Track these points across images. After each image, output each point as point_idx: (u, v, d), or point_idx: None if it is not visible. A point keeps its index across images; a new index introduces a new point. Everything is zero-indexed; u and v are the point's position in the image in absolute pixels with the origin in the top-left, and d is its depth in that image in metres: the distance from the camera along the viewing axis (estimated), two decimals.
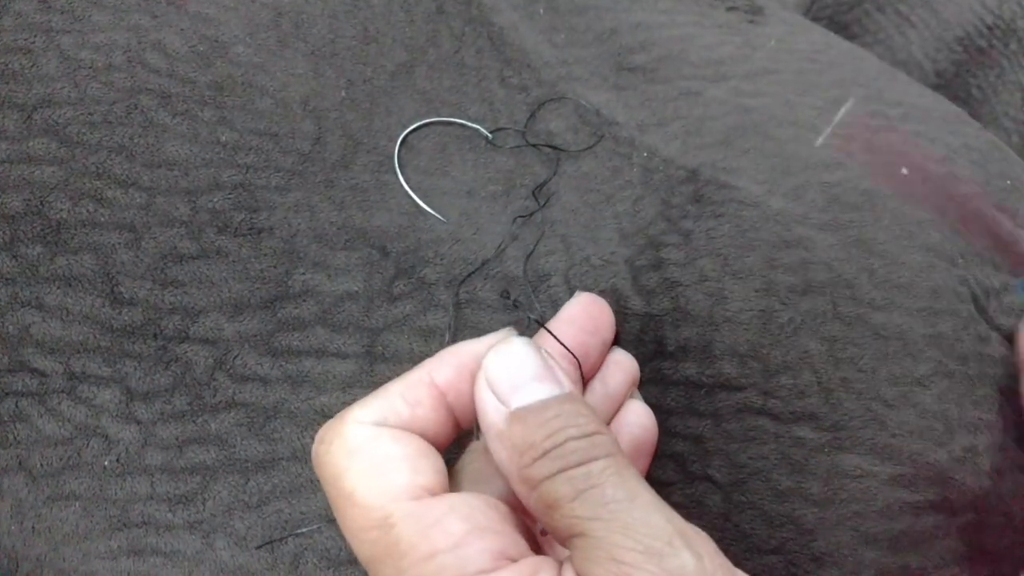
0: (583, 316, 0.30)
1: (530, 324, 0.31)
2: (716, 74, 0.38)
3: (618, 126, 0.36)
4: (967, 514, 0.32)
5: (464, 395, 0.26)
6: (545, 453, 0.23)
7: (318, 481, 0.30)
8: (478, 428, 0.25)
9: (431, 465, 0.24)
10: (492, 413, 0.24)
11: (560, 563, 0.24)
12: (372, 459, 0.24)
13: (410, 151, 0.35)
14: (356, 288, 0.32)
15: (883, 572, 0.31)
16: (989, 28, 0.57)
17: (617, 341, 0.32)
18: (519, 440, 0.24)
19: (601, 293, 0.33)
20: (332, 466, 0.24)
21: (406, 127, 0.35)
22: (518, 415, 0.24)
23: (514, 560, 0.23)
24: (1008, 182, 0.38)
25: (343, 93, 0.35)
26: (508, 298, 0.32)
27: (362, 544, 0.23)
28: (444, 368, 0.26)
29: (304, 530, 0.30)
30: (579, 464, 0.23)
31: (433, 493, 0.24)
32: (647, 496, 0.23)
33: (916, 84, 0.42)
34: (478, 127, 0.36)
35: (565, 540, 0.23)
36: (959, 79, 0.56)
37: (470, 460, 0.28)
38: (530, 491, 0.24)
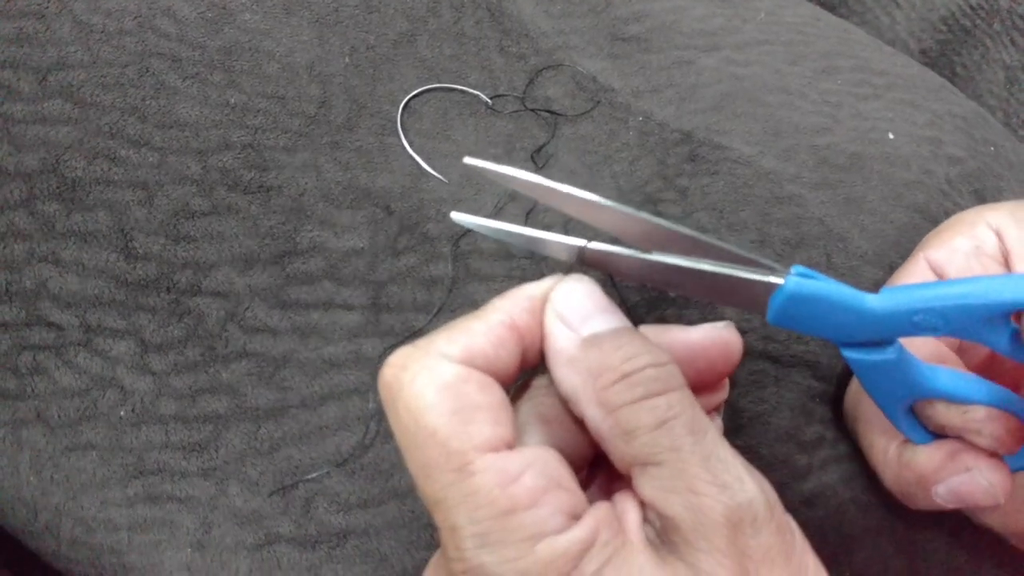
0: (715, 350, 0.29)
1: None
2: (708, 44, 0.39)
3: (614, 92, 0.38)
4: None
5: (532, 334, 0.26)
6: (624, 376, 0.24)
7: (327, 427, 0.31)
8: (543, 365, 0.26)
9: (509, 417, 0.24)
10: (563, 339, 0.25)
11: (610, 499, 0.24)
12: (460, 402, 0.23)
13: (412, 115, 0.36)
14: (362, 244, 0.33)
15: (863, 509, 0.33)
16: (973, 8, 0.58)
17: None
18: (595, 363, 0.24)
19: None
20: (416, 397, 0.23)
21: (408, 93, 0.36)
22: (592, 340, 0.24)
23: (578, 517, 0.23)
24: (992, 148, 0.39)
25: (347, 59, 0.36)
26: None
27: (432, 482, 0.23)
28: (519, 310, 0.25)
29: (313, 475, 0.31)
30: (660, 393, 0.24)
31: (510, 446, 0.24)
32: (714, 431, 0.24)
33: (902, 56, 0.43)
34: (478, 93, 0.37)
35: (632, 466, 0.24)
36: (944, 58, 0.58)
37: (529, 405, 0.27)
38: (606, 415, 0.24)
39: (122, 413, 0.31)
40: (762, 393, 0.33)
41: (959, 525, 0.34)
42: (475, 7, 0.39)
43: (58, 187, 0.32)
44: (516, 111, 0.37)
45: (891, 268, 0.35)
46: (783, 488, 0.32)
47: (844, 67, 0.40)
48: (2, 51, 0.33)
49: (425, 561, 0.31)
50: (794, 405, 0.33)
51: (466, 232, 0.33)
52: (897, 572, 0.33)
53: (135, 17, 0.34)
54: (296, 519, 0.31)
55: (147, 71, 0.33)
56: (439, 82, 0.37)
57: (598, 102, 0.37)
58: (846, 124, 0.38)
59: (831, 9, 0.58)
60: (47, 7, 0.34)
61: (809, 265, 0.34)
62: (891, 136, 0.38)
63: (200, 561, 0.31)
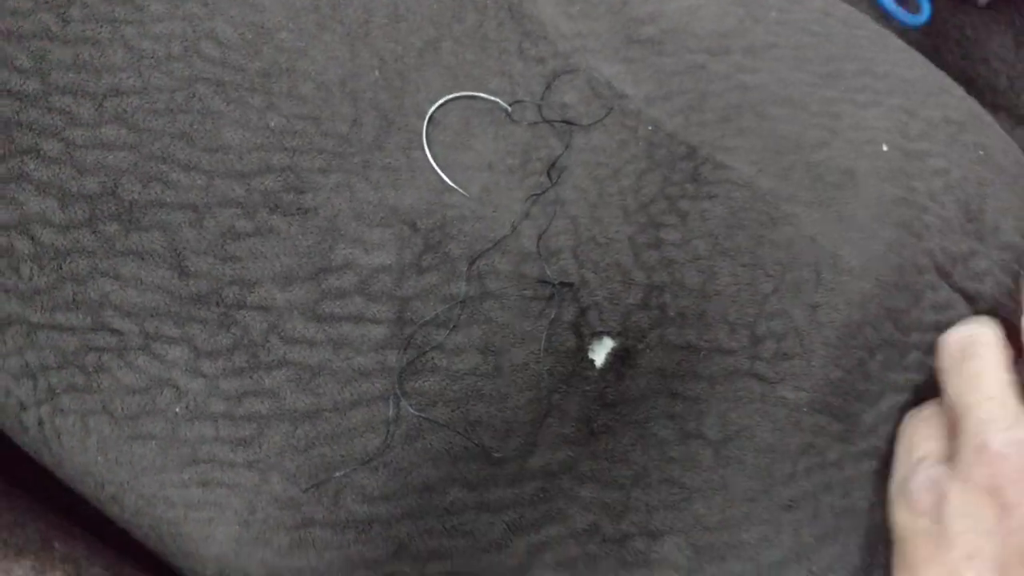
0: None
1: (555, 289, 0.35)
2: (719, 47, 0.41)
3: (626, 99, 0.39)
4: None
5: None
6: None
7: (355, 429, 0.35)
8: None
9: None
10: None
11: None
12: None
13: (436, 127, 0.39)
14: (389, 261, 0.36)
15: (838, 514, 0.36)
16: None
17: None
18: None
19: (606, 267, 0.37)
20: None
21: (432, 103, 0.39)
22: None
23: None
24: (981, 152, 0.41)
25: (376, 73, 0.39)
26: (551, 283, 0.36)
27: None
28: None
29: (340, 473, 0.35)
30: None
31: None
32: None
33: (906, 51, 0.44)
34: (498, 100, 0.39)
35: None
36: (953, 19, 0.58)
37: None
38: None
39: (177, 410, 0.35)
40: (748, 408, 0.37)
41: None
42: (497, 8, 0.41)
43: (117, 209, 0.35)
44: (533, 122, 0.39)
45: (878, 281, 0.37)
46: (763, 495, 0.36)
47: (848, 71, 0.41)
48: (62, 76, 0.35)
49: (439, 548, 0.35)
50: (778, 417, 0.37)
51: (483, 253, 0.36)
52: (863, 570, 0.37)
53: (182, 42, 0.36)
54: (328, 507, 0.35)
55: (194, 96, 0.36)
56: (462, 89, 0.40)
57: (611, 109, 0.39)
58: (844, 136, 0.39)
59: None
60: (100, 32, 0.36)
61: (798, 283, 0.37)
62: (885, 148, 0.39)
63: (246, 535, 0.35)
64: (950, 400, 0.36)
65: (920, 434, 0.37)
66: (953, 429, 0.35)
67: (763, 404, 0.37)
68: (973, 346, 0.36)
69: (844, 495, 0.37)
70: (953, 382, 0.36)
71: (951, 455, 0.35)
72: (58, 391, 0.35)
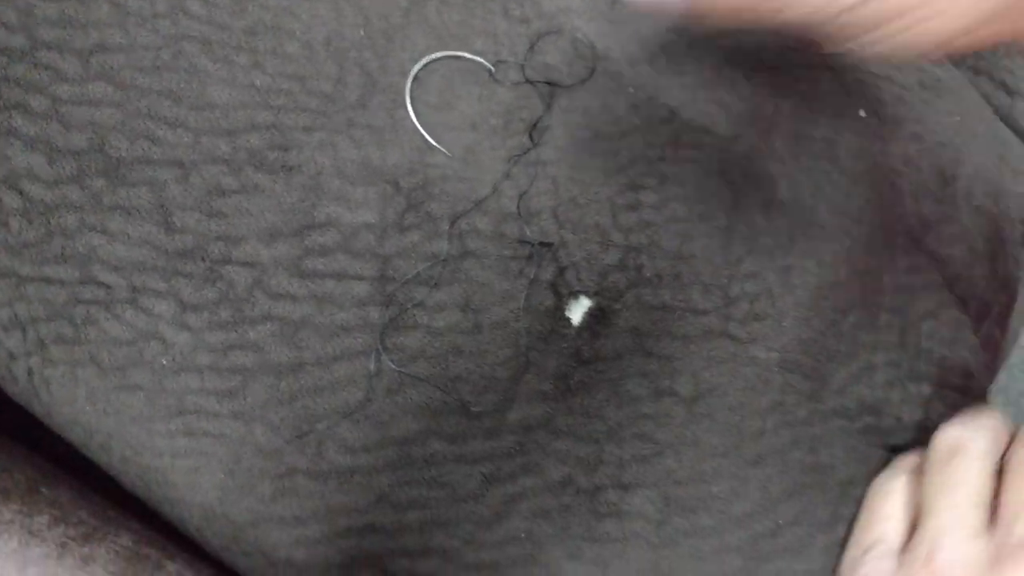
0: None
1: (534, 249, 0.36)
2: None
3: (609, 60, 0.40)
4: (865, 417, 0.39)
5: None
6: None
7: (338, 383, 0.36)
8: None
9: None
10: None
11: None
12: None
13: (420, 87, 0.39)
14: (372, 220, 0.37)
15: (805, 470, 0.38)
16: None
17: None
18: None
19: (585, 228, 0.38)
20: None
21: (416, 62, 0.39)
22: None
23: None
24: (956, 119, 0.42)
25: (361, 32, 0.39)
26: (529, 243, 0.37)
27: None
28: None
29: (322, 425, 0.36)
30: None
31: None
32: None
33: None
34: (481, 60, 0.40)
35: None
36: None
37: None
38: None
39: (164, 362, 0.36)
40: (720, 367, 0.38)
41: None
42: None
43: (104, 165, 0.35)
44: (516, 82, 0.40)
45: (851, 244, 0.38)
46: (732, 450, 0.37)
47: None
48: (47, 32, 0.36)
49: (418, 497, 0.36)
50: (748, 376, 0.38)
51: (464, 213, 0.37)
52: (827, 524, 0.39)
53: None
54: (311, 457, 0.36)
55: (180, 54, 0.36)
56: (447, 48, 0.40)
57: (593, 70, 0.40)
58: (823, 102, 0.40)
59: None
60: None
61: (771, 247, 0.38)
62: (862, 114, 0.40)
63: (231, 484, 0.36)
64: (924, 491, 0.36)
65: (885, 510, 0.37)
66: (916, 517, 0.35)
67: (734, 363, 0.38)
68: (960, 452, 0.36)
69: (811, 451, 0.38)
70: (931, 479, 0.36)
71: (906, 545, 0.35)
72: (47, 342, 0.36)
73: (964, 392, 0.42)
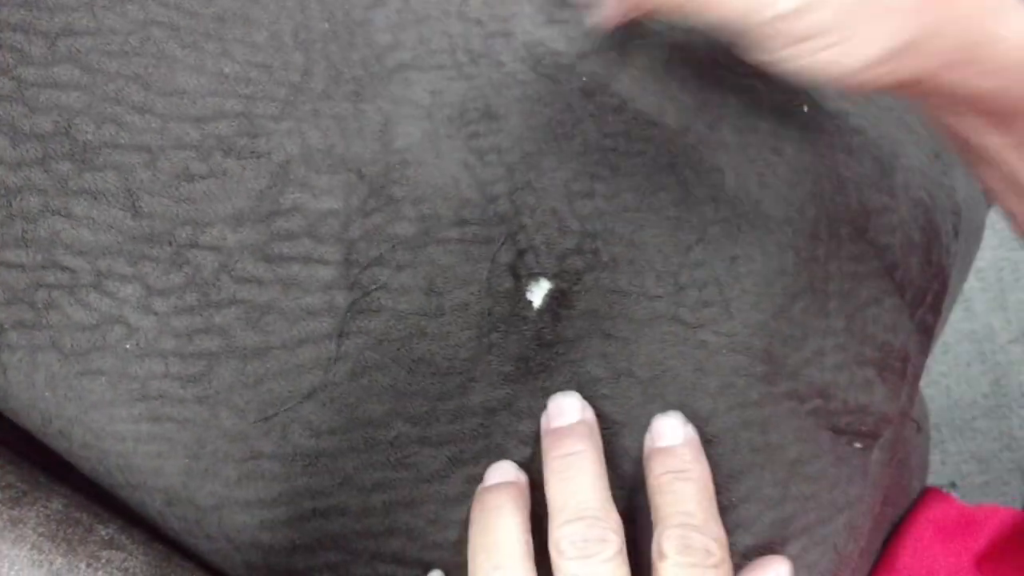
0: None
1: (493, 232, 0.37)
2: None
3: (560, 55, 0.41)
4: (815, 400, 0.40)
5: None
6: None
7: (303, 366, 0.37)
8: None
9: None
10: None
11: None
12: None
13: (380, 81, 0.40)
14: (337, 206, 0.37)
15: (755, 449, 0.39)
16: None
17: None
18: None
19: (542, 213, 0.39)
20: None
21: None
22: None
23: None
24: (894, 113, 0.44)
25: (326, 25, 0.40)
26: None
27: None
28: None
29: (288, 407, 0.36)
30: None
31: None
32: None
33: None
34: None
35: None
36: None
37: None
38: None
39: (128, 346, 0.36)
40: (671, 350, 0.39)
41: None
42: None
43: (70, 148, 0.36)
44: (470, 76, 0.41)
45: (796, 233, 0.40)
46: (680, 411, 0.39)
47: None
48: (12, 13, 0.36)
49: (383, 479, 0.37)
50: (698, 359, 0.39)
51: (425, 198, 0.38)
52: (776, 502, 0.40)
53: None
54: (276, 441, 0.36)
55: (149, 39, 0.37)
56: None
57: (541, 60, 0.41)
58: (768, 97, 0.42)
59: None
60: None
61: (719, 236, 0.40)
62: (806, 109, 0.42)
63: (196, 467, 0.37)
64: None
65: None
66: None
67: (685, 346, 0.39)
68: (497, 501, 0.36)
69: (762, 432, 0.40)
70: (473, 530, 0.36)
71: None
72: (6, 327, 0.36)
73: (902, 376, 0.44)
